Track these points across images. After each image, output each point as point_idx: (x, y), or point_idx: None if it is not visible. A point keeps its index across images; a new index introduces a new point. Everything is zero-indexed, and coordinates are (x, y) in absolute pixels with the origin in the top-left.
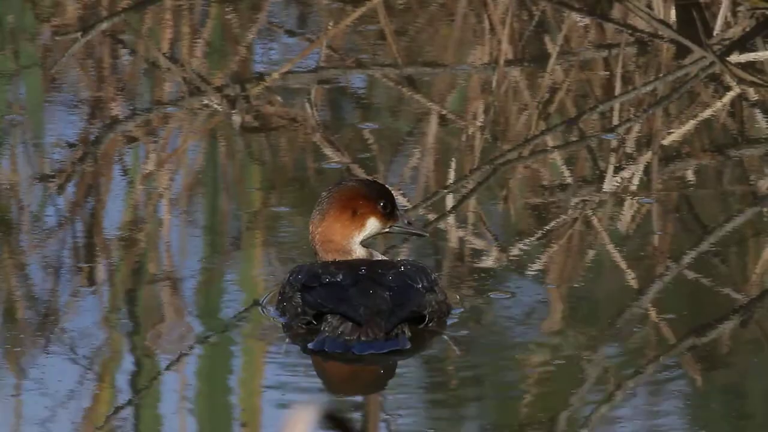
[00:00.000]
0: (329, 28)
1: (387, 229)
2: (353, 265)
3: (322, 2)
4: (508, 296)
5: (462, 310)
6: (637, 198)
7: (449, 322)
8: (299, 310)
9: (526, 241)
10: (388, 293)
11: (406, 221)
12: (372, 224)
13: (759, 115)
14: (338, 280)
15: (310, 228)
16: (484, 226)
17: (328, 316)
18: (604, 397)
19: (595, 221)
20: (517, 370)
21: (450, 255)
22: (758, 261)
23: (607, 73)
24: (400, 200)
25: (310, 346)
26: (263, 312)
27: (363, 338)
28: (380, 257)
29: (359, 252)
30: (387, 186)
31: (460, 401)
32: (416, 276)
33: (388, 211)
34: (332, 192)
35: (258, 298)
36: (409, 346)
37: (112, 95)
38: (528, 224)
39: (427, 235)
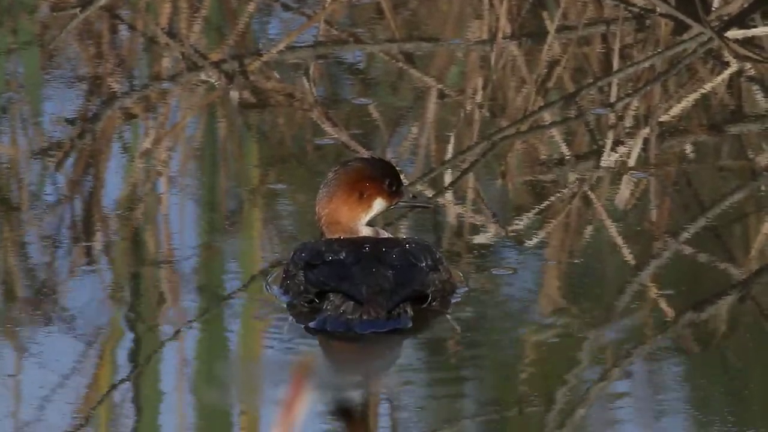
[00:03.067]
0: (327, 3)
1: (393, 206)
2: (357, 243)
3: None
4: (509, 272)
5: (466, 289)
6: (635, 174)
7: (452, 300)
8: (302, 288)
9: (525, 216)
10: (390, 272)
11: (410, 195)
12: (378, 204)
13: (757, 91)
14: (341, 257)
15: (317, 209)
16: (483, 202)
17: (330, 295)
18: (603, 374)
19: (593, 197)
20: (518, 348)
21: (448, 231)
22: (757, 237)
23: (605, 47)
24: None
25: (311, 324)
26: (267, 290)
27: (365, 317)
28: (386, 235)
29: (365, 232)
30: (391, 162)
31: (460, 380)
32: (420, 254)
33: (394, 189)
34: (338, 173)
35: (258, 275)
36: (410, 325)
37: (111, 71)
38: (526, 200)
39: (432, 206)
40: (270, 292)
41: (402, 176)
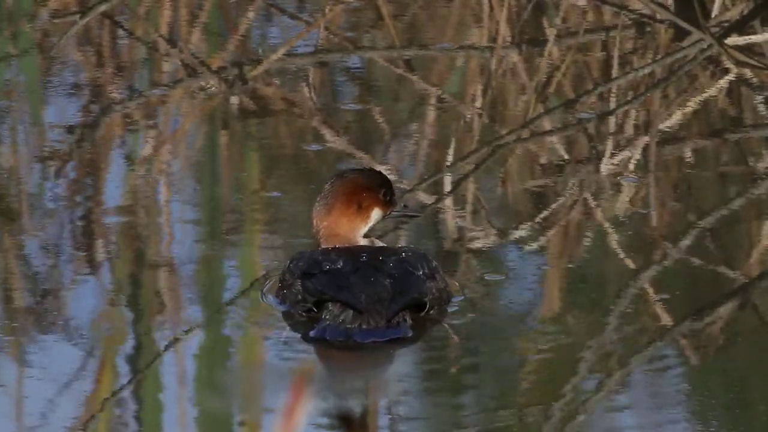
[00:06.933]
0: (328, 9)
1: (386, 216)
2: (354, 252)
3: None
4: (507, 279)
5: (462, 297)
6: (634, 180)
7: (450, 309)
8: (299, 297)
9: (524, 223)
10: (388, 280)
11: (403, 204)
12: (376, 214)
13: (757, 98)
14: (339, 267)
15: (315, 221)
16: (482, 208)
17: (329, 304)
18: (602, 380)
19: (592, 203)
20: (516, 355)
21: (447, 237)
22: (757, 243)
23: (605, 54)
24: (398, 183)
25: (311, 334)
26: (263, 300)
27: (364, 326)
28: (381, 244)
29: (362, 242)
30: (384, 172)
31: (459, 388)
32: (417, 263)
33: (389, 199)
34: (335, 185)
35: (257, 283)
36: (410, 334)
37: (110, 78)
38: (526, 206)
39: (421, 215)
40: (266, 301)
41: (394, 185)
